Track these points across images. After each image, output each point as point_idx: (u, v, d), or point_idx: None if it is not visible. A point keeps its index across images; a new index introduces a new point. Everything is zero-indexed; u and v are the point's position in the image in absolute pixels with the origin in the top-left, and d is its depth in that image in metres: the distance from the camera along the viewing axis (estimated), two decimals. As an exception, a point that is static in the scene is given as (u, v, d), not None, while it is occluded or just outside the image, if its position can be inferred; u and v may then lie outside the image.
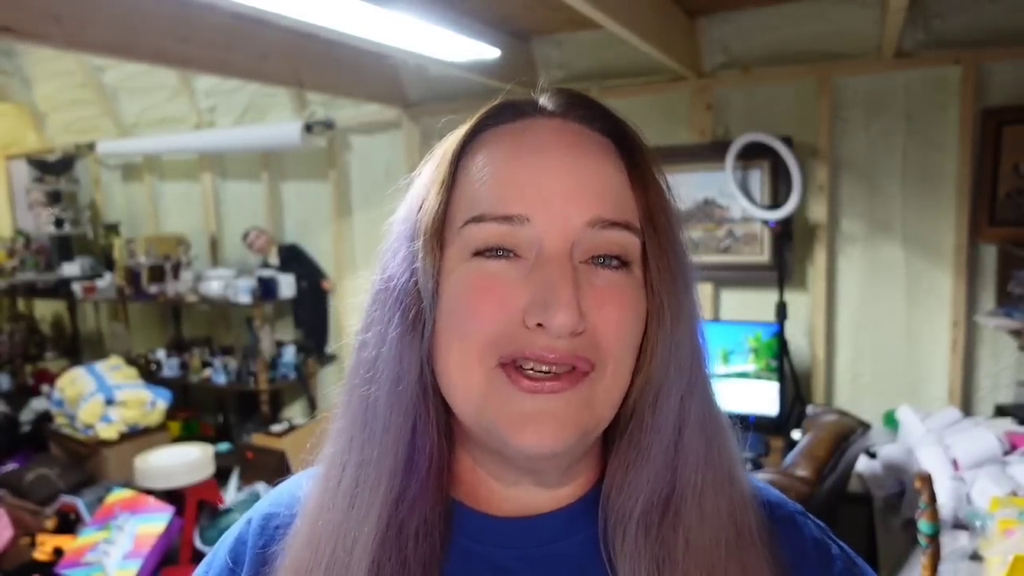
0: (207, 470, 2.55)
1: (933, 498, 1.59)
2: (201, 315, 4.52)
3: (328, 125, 3.70)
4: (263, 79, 2.91)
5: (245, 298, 3.70)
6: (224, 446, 3.60)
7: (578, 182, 0.49)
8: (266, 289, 3.76)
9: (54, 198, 4.65)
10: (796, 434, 2.42)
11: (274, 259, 3.90)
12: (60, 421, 3.19)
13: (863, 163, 2.75)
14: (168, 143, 4.22)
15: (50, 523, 2.41)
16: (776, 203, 2.72)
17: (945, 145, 2.61)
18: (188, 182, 4.46)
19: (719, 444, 0.53)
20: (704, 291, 3.00)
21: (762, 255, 2.86)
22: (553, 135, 0.51)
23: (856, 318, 2.84)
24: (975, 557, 1.72)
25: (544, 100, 0.54)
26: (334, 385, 0.57)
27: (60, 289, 4.55)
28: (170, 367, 4.11)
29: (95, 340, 5.08)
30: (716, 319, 2.99)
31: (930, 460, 2.14)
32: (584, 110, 0.53)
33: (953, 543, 1.80)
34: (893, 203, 2.72)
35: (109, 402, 3.03)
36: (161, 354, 4.18)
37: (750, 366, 2.70)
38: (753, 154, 2.71)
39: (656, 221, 0.51)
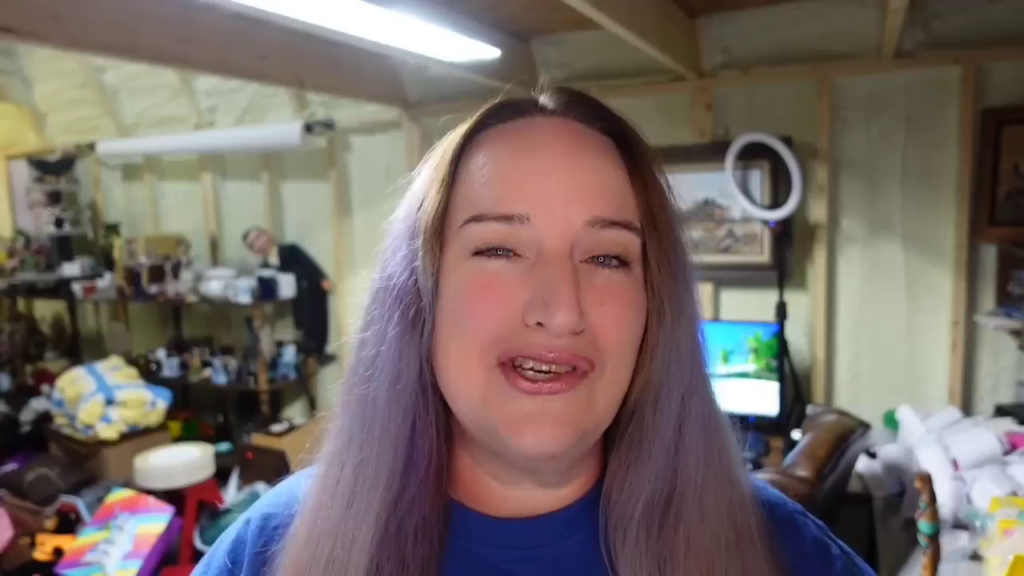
0: (207, 470, 2.55)
1: (933, 498, 1.59)
2: (201, 315, 4.52)
3: (328, 125, 3.70)
4: (263, 79, 2.91)
5: (245, 298, 3.70)
6: (224, 446, 3.60)
7: (578, 181, 0.49)
8: (266, 289, 3.76)
9: (54, 198, 4.65)
10: (796, 434, 2.42)
11: (274, 259, 3.90)
12: (60, 421, 3.19)
13: (863, 163, 2.75)
14: (168, 143, 4.22)
15: (50, 523, 2.41)
16: (776, 203, 2.72)
17: (945, 145, 2.61)
18: (188, 182, 4.46)
19: (719, 444, 0.53)
20: (704, 291, 2.99)
21: (762, 255, 2.86)
22: (553, 134, 0.51)
23: (856, 318, 2.84)
24: (975, 557, 1.72)
25: (545, 99, 0.54)
26: (334, 385, 0.57)
27: (60, 289, 4.55)
28: (170, 367, 4.11)
29: (95, 340, 5.08)
30: (716, 319, 2.99)
31: (930, 460, 2.14)
32: (585, 109, 0.53)
33: (953, 543, 1.80)
34: (893, 203, 2.72)
35: (109, 402, 3.03)
36: (161, 354, 4.18)
37: (750, 366, 2.70)
38: (753, 154, 2.71)
39: (657, 220, 0.51)
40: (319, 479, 0.55)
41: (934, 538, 1.59)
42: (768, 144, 2.63)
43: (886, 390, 2.79)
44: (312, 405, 4.00)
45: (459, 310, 0.49)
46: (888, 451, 2.37)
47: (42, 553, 2.23)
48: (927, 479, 1.60)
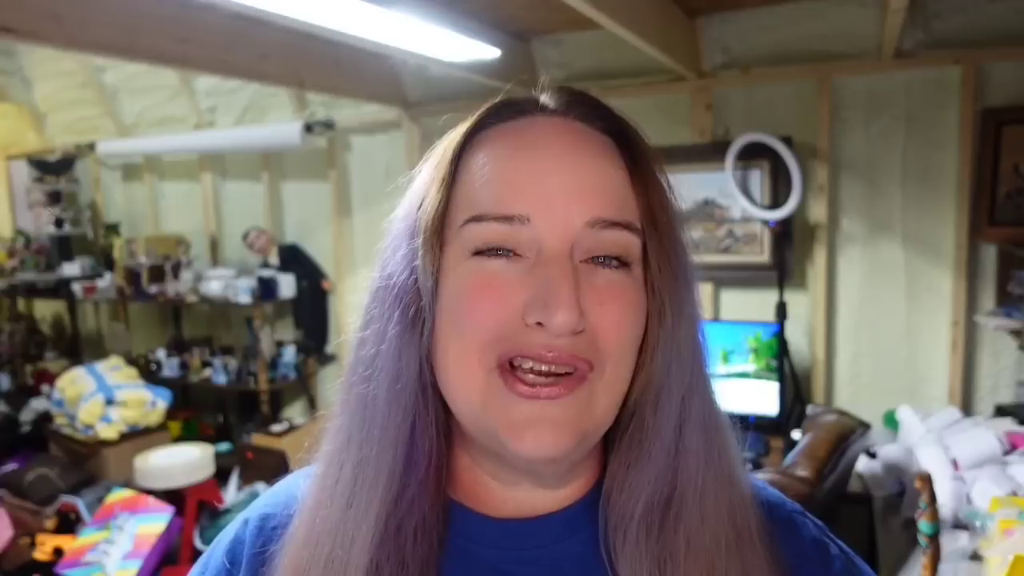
0: (207, 470, 2.55)
1: (933, 498, 1.59)
2: (201, 315, 4.52)
3: (328, 125, 3.70)
4: (263, 79, 2.91)
5: (245, 298, 3.70)
6: (224, 446, 3.60)
7: (579, 181, 0.49)
8: (266, 289, 3.75)
9: (54, 198, 4.65)
10: (796, 434, 2.41)
11: (274, 259, 3.90)
12: (60, 421, 3.19)
13: (863, 163, 2.75)
14: (168, 143, 4.22)
15: (50, 523, 2.41)
16: (776, 203, 2.72)
17: (945, 145, 2.61)
18: (188, 182, 4.46)
19: (720, 444, 0.53)
20: (704, 291, 2.99)
21: (762, 255, 2.86)
22: (554, 133, 0.51)
23: (856, 318, 2.84)
24: (975, 557, 1.72)
25: (545, 98, 0.54)
26: (334, 384, 0.57)
27: (60, 289, 4.55)
28: (170, 367, 4.11)
29: (95, 340, 5.08)
30: (716, 319, 2.99)
31: (930, 460, 2.14)
32: (586, 108, 0.53)
33: (953, 543, 1.80)
34: (893, 203, 2.72)
35: (109, 402, 3.03)
36: (161, 354, 4.18)
37: (750, 366, 2.69)
38: (753, 154, 2.71)
39: (657, 220, 0.50)
40: (318, 478, 0.55)
41: (934, 538, 1.59)
42: (768, 144, 2.63)
43: (886, 390, 2.79)
44: (312, 405, 4.00)
45: (458, 309, 0.49)
46: (888, 451, 2.37)
47: (42, 553, 2.23)
48: (927, 479, 1.60)
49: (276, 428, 3.50)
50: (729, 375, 2.71)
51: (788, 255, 2.79)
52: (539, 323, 0.46)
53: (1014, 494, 1.83)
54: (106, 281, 4.30)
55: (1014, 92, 2.50)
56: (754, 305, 2.95)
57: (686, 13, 2.77)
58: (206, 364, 4.06)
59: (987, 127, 2.52)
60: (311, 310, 3.99)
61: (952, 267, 2.63)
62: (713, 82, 2.91)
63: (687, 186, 2.86)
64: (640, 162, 0.52)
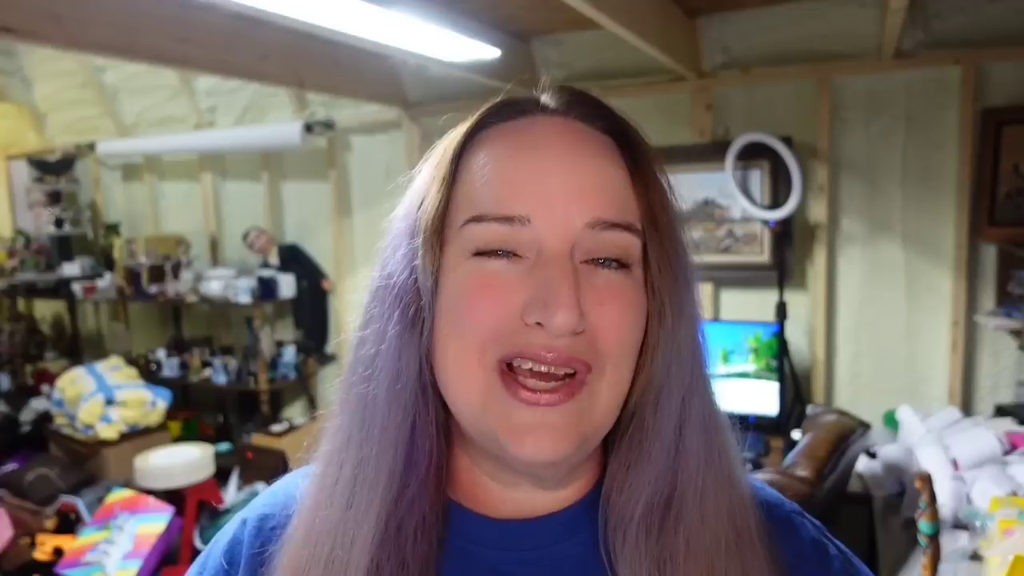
0: (207, 470, 2.55)
1: (933, 498, 1.59)
2: (201, 315, 4.52)
3: (328, 125, 3.70)
4: (263, 79, 2.91)
5: (245, 298, 3.70)
6: (224, 446, 3.60)
7: (580, 182, 0.49)
8: (266, 289, 3.75)
9: (54, 198, 4.65)
10: (796, 434, 2.41)
11: (274, 259, 3.90)
12: (60, 421, 3.19)
13: (863, 163, 2.75)
14: (168, 143, 4.22)
15: (50, 523, 2.41)
16: (776, 203, 2.72)
17: (945, 145, 2.61)
18: (188, 182, 4.46)
19: (720, 445, 0.53)
20: (704, 291, 2.99)
21: (762, 255, 2.86)
22: (555, 133, 0.51)
23: (856, 318, 2.83)
24: (975, 557, 1.72)
25: (546, 98, 0.54)
26: (334, 384, 0.57)
27: (60, 289, 4.55)
28: (170, 367, 4.11)
29: (95, 340, 5.08)
30: (716, 319, 2.99)
31: (930, 460, 2.14)
32: (586, 108, 0.53)
33: (953, 543, 1.80)
34: (893, 203, 2.72)
35: (109, 402, 3.03)
36: (161, 354, 4.18)
37: (750, 366, 2.69)
38: (753, 154, 2.71)
39: (658, 221, 0.50)
40: (317, 478, 0.55)
41: (934, 538, 1.59)
42: (768, 144, 2.63)
43: (886, 390, 2.79)
44: (312, 405, 3.99)
45: (458, 309, 0.49)
46: (888, 451, 2.37)
47: (42, 553, 2.23)
48: (927, 479, 1.60)
49: (276, 428, 3.50)
50: (729, 375, 2.71)
51: (788, 255, 2.79)
52: (539, 323, 0.46)
53: (1014, 494, 1.83)
54: (106, 281, 4.30)
55: (1014, 92, 2.50)
56: (754, 305, 2.95)
57: (686, 13, 2.77)
58: (206, 364, 4.06)
59: (987, 127, 2.52)
60: (311, 310, 3.99)
61: (952, 267, 2.63)
62: (713, 82, 2.91)
63: (687, 186, 2.89)
64: (641, 162, 0.52)
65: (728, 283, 3.02)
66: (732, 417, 0.56)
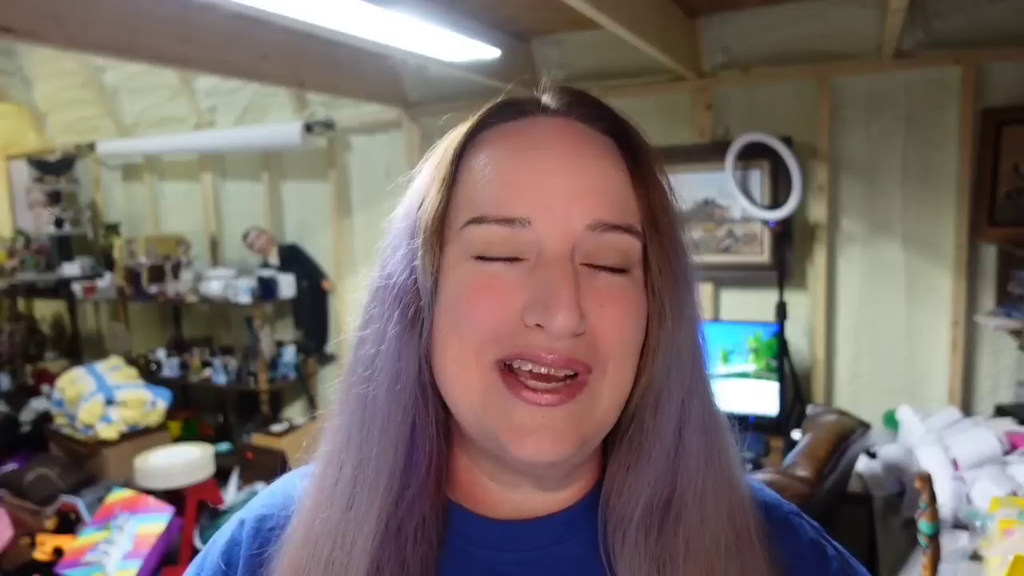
0: (207, 470, 2.55)
1: (933, 498, 1.59)
2: (201, 315, 4.52)
3: (328, 125, 3.70)
4: (263, 79, 2.91)
5: (245, 298, 3.70)
6: (224, 446, 3.60)
7: (580, 183, 0.48)
8: (266, 289, 3.75)
9: (54, 198, 4.65)
10: (796, 434, 2.41)
11: (274, 259, 3.90)
12: (60, 421, 3.19)
13: (863, 163, 2.75)
14: (168, 143, 4.22)
15: (50, 523, 2.41)
16: (776, 203, 2.72)
17: (945, 145, 2.61)
18: (188, 182, 4.46)
19: (719, 446, 0.53)
20: (704, 291, 2.99)
21: (762, 255, 2.86)
22: (556, 134, 0.51)
23: (856, 318, 2.83)
24: (975, 557, 1.72)
25: (547, 98, 0.54)
26: (334, 384, 0.57)
27: (60, 289, 4.55)
28: (170, 367, 4.11)
29: (95, 340, 5.08)
30: (716, 319, 2.99)
31: (930, 460, 2.14)
32: (587, 109, 0.53)
33: (953, 543, 1.80)
34: (893, 203, 2.72)
35: (109, 402, 3.02)
36: (161, 354, 4.18)
37: (750, 366, 2.69)
38: (753, 154, 2.71)
39: (658, 222, 0.50)
40: (317, 479, 0.55)
41: (934, 538, 1.59)
42: (768, 144, 2.63)
43: (886, 390, 2.79)
44: (312, 405, 3.99)
45: (458, 309, 0.48)
46: (888, 451, 2.37)
47: (42, 553, 2.23)
48: (927, 479, 1.59)
49: (276, 428, 3.50)
50: (729, 375, 2.71)
51: (788, 255, 2.79)
52: (539, 325, 0.46)
53: (1014, 494, 1.83)
54: (106, 281, 4.30)
55: (1014, 92, 2.50)
56: (754, 305, 2.95)
57: (686, 13, 2.77)
58: (206, 364, 4.06)
59: (987, 127, 2.52)
60: (311, 310, 3.99)
61: (952, 267, 2.63)
62: (713, 82, 2.91)
63: (687, 186, 2.86)
64: (641, 163, 0.52)
65: (728, 283, 3.02)
66: (731, 417, 0.56)
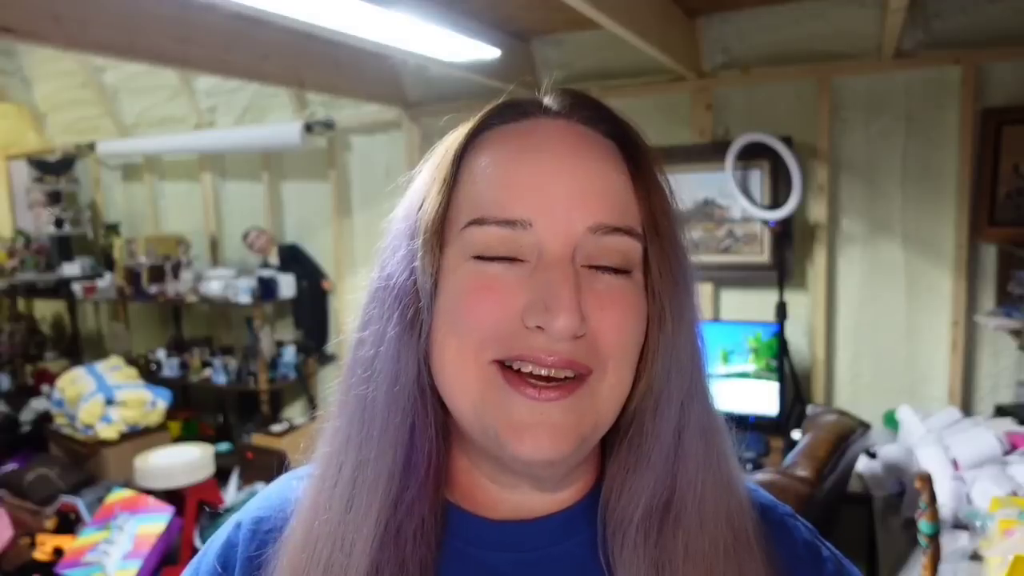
0: (207, 470, 2.55)
1: (933, 498, 1.59)
2: (201, 315, 4.52)
3: (328, 125, 3.70)
4: (263, 79, 2.91)
5: (245, 298, 3.70)
6: (224, 446, 3.60)
7: (581, 186, 0.48)
8: (266, 289, 3.76)
9: (54, 198, 4.65)
10: (796, 434, 2.41)
11: (274, 259, 3.90)
12: (60, 421, 3.19)
13: (863, 163, 2.75)
14: (168, 143, 4.22)
15: (50, 523, 2.41)
16: (776, 203, 2.72)
17: (945, 145, 2.61)
18: (188, 182, 4.46)
19: (718, 449, 0.53)
20: (704, 291, 2.99)
21: (762, 255, 2.86)
22: (557, 136, 0.51)
23: (856, 318, 2.83)
24: (975, 557, 1.72)
25: (548, 100, 0.54)
26: (333, 385, 0.57)
27: (60, 289, 4.55)
28: (170, 367, 4.11)
29: (95, 340, 5.08)
30: (716, 319, 2.99)
31: (930, 460, 2.14)
32: (589, 111, 0.53)
33: (953, 543, 1.80)
34: (893, 203, 2.72)
35: (109, 402, 3.03)
36: (161, 354, 4.18)
37: (750, 366, 2.69)
38: (753, 154, 2.71)
39: (659, 225, 0.50)
40: (316, 480, 0.55)
41: (934, 538, 1.59)
42: (768, 144, 2.63)
43: (886, 390, 2.79)
44: (312, 405, 3.99)
45: (457, 310, 0.48)
46: (888, 451, 2.37)
47: (42, 553, 2.23)
48: (927, 479, 1.60)
49: (276, 428, 3.50)
50: (729, 375, 2.71)
51: (788, 255, 2.79)
52: (539, 327, 0.46)
53: (1014, 494, 1.83)
54: (106, 281, 4.30)
55: (1014, 92, 2.50)
56: (754, 305, 2.95)
57: (686, 13, 2.77)
58: (206, 364, 4.06)
59: (987, 127, 2.52)
60: (311, 310, 3.99)
61: (952, 267, 2.63)
62: (713, 82, 2.91)
63: (687, 186, 2.86)
64: (642, 166, 0.52)
65: (728, 283, 3.02)
66: (730, 417, 0.56)
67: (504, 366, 0.48)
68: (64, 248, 4.75)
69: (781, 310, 2.71)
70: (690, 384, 0.52)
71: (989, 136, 2.51)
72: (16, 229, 4.93)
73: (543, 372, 0.47)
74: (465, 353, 0.48)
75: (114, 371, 3.21)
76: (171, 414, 3.38)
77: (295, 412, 4.13)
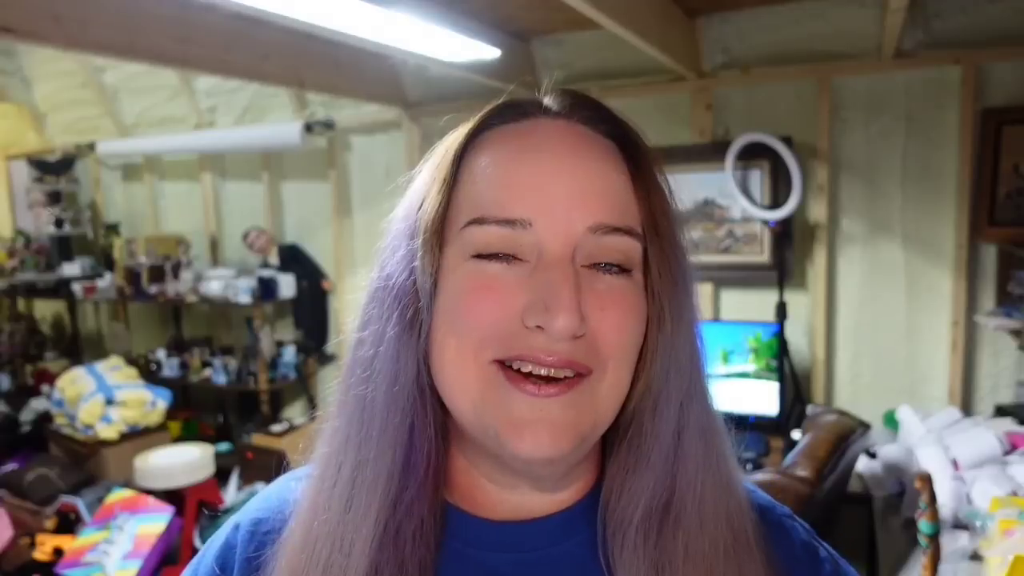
0: (207, 470, 2.55)
1: (933, 498, 1.59)
2: (201, 315, 4.52)
3: (328, 125, 3.70)
4: (263, 79, 2.91)
5: (245, 298, 3.70)
6: (224, 446, 3.60)
7: (581, 186, 0.49)
8: (266, 289, 3.76)
9: (54, 198, 4.65)
10: (796, 434, 2.42)
11: (274, 259, 3.90)
12: (60, 421, 3.19)
13: (863, 163, 2.75)
14: (168, 143, 4.22)
15: (50, 523, 2.41)
16: (776, 203, 2.72)
17: (945, 145, 2.61)
18: (188, 182, 4.46)
19: (718, 450, 0.53)
20: (704, 291, 3.00)
21: (762, 255, 2.86)
22: (557, 137, 0.51)
23: (856, 318, 2.83)
24: (975, 557, 1.72)
25: (549, 100, 0.54)
26: (333, 385, 0.57)
27: (60, 289, 4.55)
28: (170, 367, 4.11)
29: (95, 340, 5.08)
30: (716, 319, 2.99)
31: (930, 460, 2.14)
32: (589, 112, 0.53)
33: (953, 543, 1.80)
34: (893, 203, 2.72)
35: (109, 402, 3.03)
36: (161, 354, 4.18)
37: (750, 366, 2.69)
38: (753, 154, 2.71)
39: (658, 226, 0.50)
40: (315, 480, 0.54)
41: (934, 538, 1.59)
42: (768, 144, 2.63)
43: (886, 390, 2.79)
44: (312, 405, 3.99)
45: (456, 310, 0.48)
46: (888, 451, 2.37)
47: (42, 553, 2.23)
48: (927, 479, 1.60)
49: (276, 428, 3.50)
50: (729, 375, 2.71)
51: (788, 255, 2.79)
52: (539, 327, 0.46)
53: (1014, 494, 1.83)
54: (106, 281, 4.30)
55: (1014, 92, 2.50)
56: (754, 305, 2.95)
57: (686, 13, 2.77)
58: (206, 364, 4.06)
59: (987, 127, 2.52)
60: (311, 310, 3.99)
61: (952, 267, 2.63)
62: (713, 82, 2.91)
63: (687, 186, 2.87)
64: (642, 166, 0.52)
65: (728, 283, 3.02)
66: (731, 417, 0.56)
67: (504, 366, 0.48)
68: (64, 248, 4.75)
69: (781, 310, 2.71)
70: (689, 385, 0.52)
71: (989, 136, 2.51)
72: (16, 229, 4.93)
73: (543, 372, 0.47)
74: (465, 353, 0.48)
75: (114, 371, 3.21)
76: (171, 414, 3.38)
77: (295, 412, 4.13)
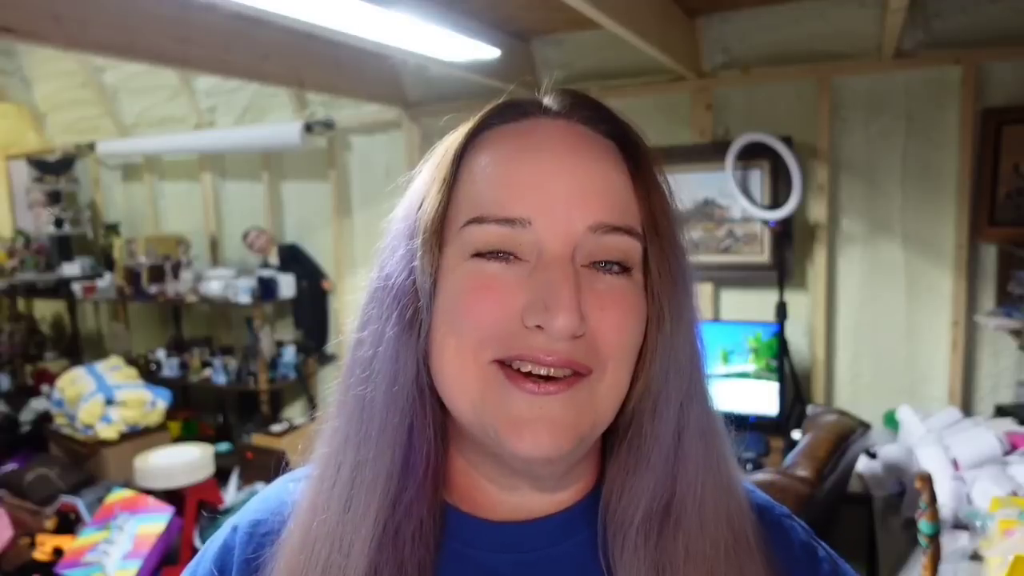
0: (207, 470, 2.55)
1: (933, 498, 1.59)
2: (201, 315, 4.52)
3: (328, 125, 3.70)
4: (263, 79, 2.91)
5: (245, 298, 3.70)
6: (224, 446, 3.60)
7: (581, 185, 0.48)
8: (266, 289, 3.76)
9: (54, 198, 4.65)
10: (796, 434, 2.41)
11: (274, 259, 3.90)
12: (60, 421, 3.19)
13: (863, 163, 2.75)
14: (168, 143, 4.22)
15: (50, 523, 2.41)
16: (776, 203, 2.72)
17: (945, 145, 2.61)
18: (188, 182, 4.46)
19: (718, 450, 0.53)
20: (704, 291, 3.00)
21: (762, 255, 2.86)
22: (557, 136, 0.51)
23: (856, 318, 2.83)
24: (975, 557, 1.72)
25: (548, 100, 0.54)
26: (333, 385, 0.57)
27: (60, 289, 4.55)
28: (170, 367, 4.11)
29: (95, 340, 5.08)
30: (716, 319, 2.98)
31: (930, 460, 2.14)
32: (589, 111, 0.53)
33: (953, 543, 1.80)
34: (893, 203, 2.72)
35: (109, 402, 3.03)
36: (161, 354, 4.18)
37: (750, 366, 2.69)
38: (753, 154, 2.71)
39: (658, 225, 0.50)
40: (314, 481, 0.54)
41: (934, 538, 1.59)
42: (768, 144, 2.63)
43: (886, 390, 2.79)
44: (312, 405, 3.99)
45: (456, 310, 0.48)
46: (888, 451, 2.37)
47: (42, 553, 2.23)
48: (927, 479, 1.59)
49: (276, 428, 3.50)
50: (729, 375, 2.71)
51: (788, 255, 2.79)
52: (539, 326, 0.46)
53: (1014, 494, 1.83)
54: (106, 281, 4.30)
55: (1014, 92, 2.50)
56: (754, 305, 2.95)
57: (686, 13, 2.77)
58: (206, 364, 4.06)
59: (987, 127, 2.52)
60: (311, 310, 3.99)
61: (952, 267, 2.63)
62: (713, 82, 2.91)
63: (687, 186, 2.85)
64: (642, 166, 0.52)
65: (728, 283, 3.02)
66: (731, 417, 0.56)
67: (504, 365, 0.48)
68: (64, 248, 4.75)
69: (781, 310, 2.71)
70: (689, 385, 0.52)
71: (989, 136, 2.51)
72: (16, 229, 4.93)
73: (543, 372, 0.47)
74: (464, 353, 0.48)
75: (114, 371, 3.21)
76: (171, 414, 3.38)
77: (295, 412, 4.13)
